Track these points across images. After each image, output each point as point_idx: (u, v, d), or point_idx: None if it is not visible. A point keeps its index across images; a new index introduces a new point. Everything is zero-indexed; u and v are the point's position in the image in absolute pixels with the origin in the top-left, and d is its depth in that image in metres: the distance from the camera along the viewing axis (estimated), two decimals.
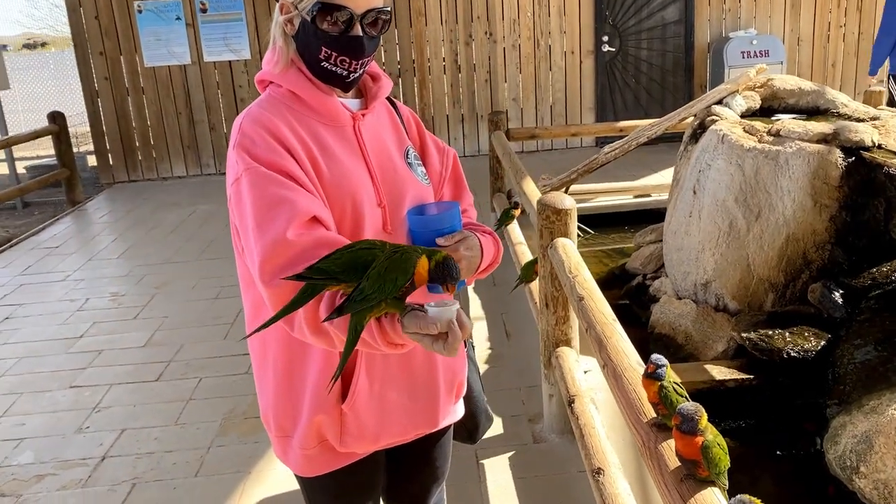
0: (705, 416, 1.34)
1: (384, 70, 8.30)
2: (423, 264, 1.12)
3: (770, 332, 2.96)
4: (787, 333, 2.94)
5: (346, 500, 1.58)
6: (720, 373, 2.91)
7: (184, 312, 4.69)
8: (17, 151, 11.49)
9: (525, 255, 3.96)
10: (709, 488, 1.34)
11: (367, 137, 1.47)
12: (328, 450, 1.49)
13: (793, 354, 2.85)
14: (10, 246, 6.54)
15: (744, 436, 2.86)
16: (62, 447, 3.25)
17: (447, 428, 1.70)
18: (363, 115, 1.47)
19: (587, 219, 5.54)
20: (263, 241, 1.27)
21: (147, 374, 3.88)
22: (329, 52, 1.38)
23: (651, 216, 5.23)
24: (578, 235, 5.26)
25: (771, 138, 3.29)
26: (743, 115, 3.94)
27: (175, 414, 3.46)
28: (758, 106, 4.00)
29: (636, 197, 5.76)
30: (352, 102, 1.48)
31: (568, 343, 2.88)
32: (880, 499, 2.19)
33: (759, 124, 3.47)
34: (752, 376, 2.89)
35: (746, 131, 3.47)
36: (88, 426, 3.42)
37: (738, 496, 1.27)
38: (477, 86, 8.62)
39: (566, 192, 5.20)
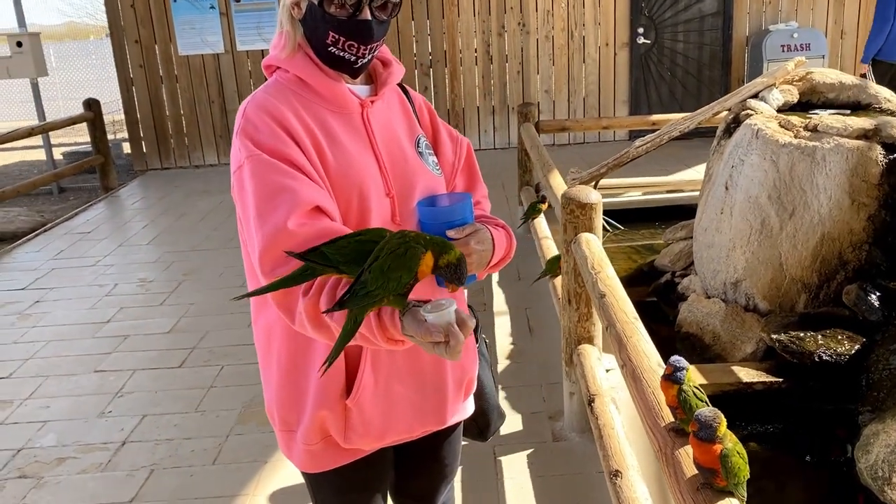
0: (724, 422, 1.28)
1: (415, 61, 8.28)
2: (427, 262, 1.07)
3: (801, 335, 2.86)
4: (819, 336, 2.83)
5: (352, 497, 1.54)
6: (748, 375, 2.82)
7: (209, 300, 4.71)
8: (57, 138, 11.70)
9: (551, 249, 3.89)
10: (727, 499, 1.28)
11: (376, 125, 1.42)
12: (332, 446, 1.45)
13: (825, 358, 2.75)
14: (45, 230, 6.65)
15: (771, 441, 2.77)
16: (84, 431, 3.28)
17: (457, 425, 1.65)
18: (372, 101, 1.42)
19: (617, 213, 5.44)
20: (264, 231, 1.24)
21: (170, 361, 3.90)
22: (337, 36, 1.34)
23: (683, 212, 5.10)
24: (607, 230, 5.19)
25: (808, 134, 3.17)
26: (780, 110, 3.82)
27: (196, 401, 3.47)
28: (795, 100, 3.87)
29: (668, 192, 5.64)
30: (361, 89, 1.44)
31: (590, 340, 2.82)
32: None
33: (795, 119, 3.35)
34: (781, 379, 2.79)
35: (782, 126, 3.35)
36: (111, 411, 3.44)
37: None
38: (509, 77, 8.53)
39: (596, 186, 5.11)
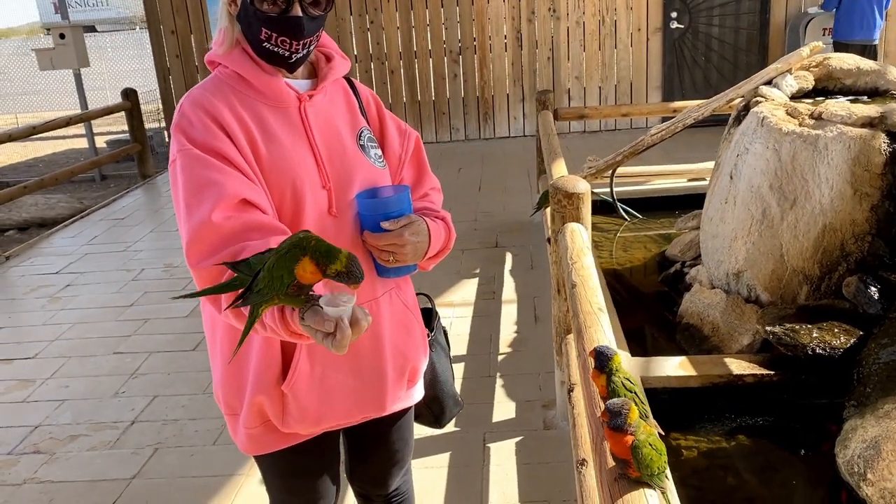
0: (635, 411, 1.28)
1: (444, 48, 8.27)
2: (305, 266, 1.10)
3: (796, 327, 2.80)
4: (814, 329, 2.78)
5: (294, 478, 1.60)
6: (739, 367, 2.78)
7: None
8: (105, 126, 12.09)
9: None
10: (641, 489, 1.29)
11: (314, 119, 1.46)
12: (271, 430, 1.50)
13: (819, 351, 2.69)
14: (82, 216, 6.90)
15: (761, 433, 2.73)
16: (98, 410, 3.42)
17: (403, 412, 1.69)
18: (310, 96, 1.46)
19: (638, 202, 5.38)
20: (190, 224, 1.29)
21: (185, 344, 4.03)
22: (269, 32, 1.38)
23: (702, 201, 5.02)
24: (625, 219, 5.14)
25: (812, 122, 3.10)
26: (794, 97, 3.73)
27: (205, 383, 3.58)
28: (810, 87, 3.77)
29: (690, 181, 5.55)
30: (301, 83, 1.48)
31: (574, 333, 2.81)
32: None
33: (802, 107, 3.27)
34: (773, 372, 2.75)
35: (789, 114, 3.27)
36: (124, 391, 3.58)
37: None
38: (539, 64, 8.46)
39: (612, 174, 5.07)
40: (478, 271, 4.68)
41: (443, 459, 2.81)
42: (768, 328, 2.84)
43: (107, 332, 4.27)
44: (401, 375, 1.61)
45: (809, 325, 2.80)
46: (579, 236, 2.57)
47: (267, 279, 1.09)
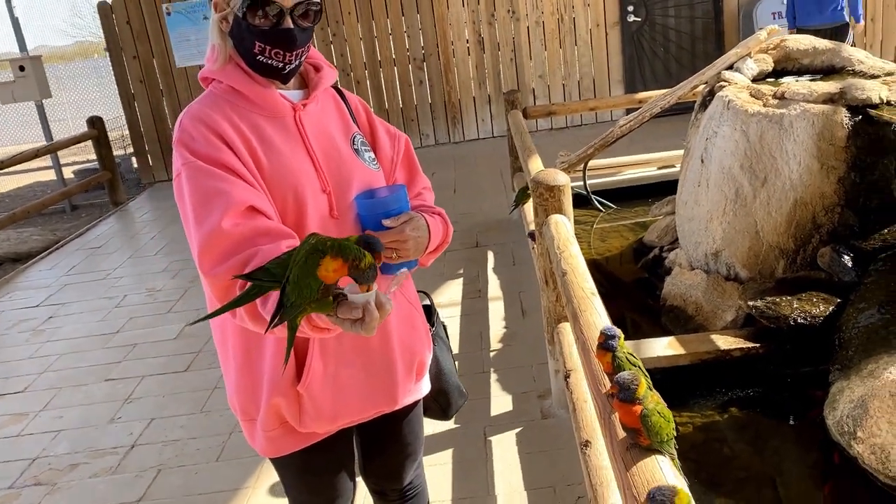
0: (644, 383, 1.35)
1: (408, 55, 8.32)
2: (326, 266, 1.14)
3: (777, 300, 2.91)
4: (794, 300, 2.88)
5: (314, 477, 1.64)
6: (725, 342, 2.87)
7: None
8: (70, 156, 11.95)
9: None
10: (652, 456, 1.35)
11: (310, 126, 1.51)
12: (289, 431, 1.55)
13: (800, 321, 2.80)
14: (57, 248, 6.83)
15: (751, 405, 2.83)
16: (95, 437, 3.41)
17: (413, 406, 1.74)
18: (304, 105, 1.51)
19: (611, 193, 5.48)
20: (201, 233, 1.33)
21: (177, 365, 4.04)
22: (263, 45, 1.43)
23: (674, 188, 5.14)
24: (601, 210, 5.23)
25: (776, 101, 3.21)
26: (755, 79, 3.85)
27: (201, 402, 3.59)
28: (770, 69, 3.89)
29: (660, 168, 5.67)
30: (294, 93, 1.53)
31: (568, 319, 2.88)
32: (878, 463, 2.15)
33: (765, 88, 3.39)
34: (758, 345, 2.84)
35: (753, 96, 3.39)
36: (120, 416, 3.58)
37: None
38: (502, 65, 8.57)
39: (585, 167, 5.16)
40: (461, 271, 4.74)
41: (446, 456, 2.86)
42: (750, 303, 2.94)
43: (96, 361, 4.25)
44: (409, 369, 1.66)
45: (789, 297, 2.90)
46: (564, 227, 2.64)
47: (295, 291, 1.13)
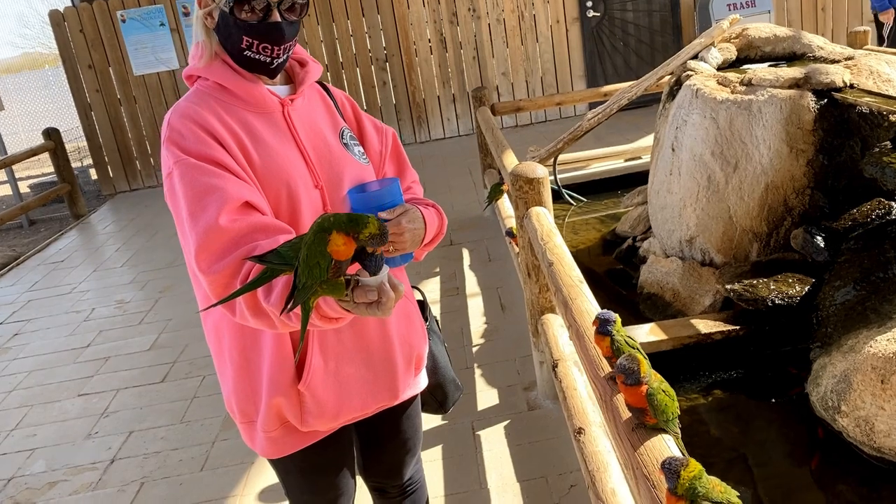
0: (645, 363, 1.36)
1: (370, 56, 8.30)
2: (335, 241, 1.13)
3: (754, 282, 2.96)
4: (771, 282, 2.94)
5: (317, 476, 1.62)
6: (706, 326, 2.92)
7: (187, 313, 4.76)
8: (23, 171, 11.64)
9: (513, 225, 3.96)
10: (658, 435, 1.37)
11: (298, 122, 1.49)
12: (291, 431, 1.52)
13: (777, 302, 2.85)
14: (17, 264, 6.65)
15: (734, 386, 2.87)
16: (72, 454, 3.33)
17: (412, 400, 1.73)
18: (292, 100, 1.49)
19: (580, 186, 5.53)
20: (197, 230, 1.30)
21: (153, 377, 3.96)
22: (250, 40, 1.41)
23: (643, 179, 5.20)
24: (571, 204, 5.28)
25: (743, 88, 3.27)
26: (720, 68, 3.92)
27: (180, 413, 3.53)
28: (734, 57, 3.97)
29: (627, 160, 5.74)
30: (281, 89, 1.51)
31: (552, 310, 2.90)
32: (863, 436, 2.20)
33: (731, 75, 3.45)
34: (738, 327, 2.89)
35: (720, 83, 3.45)
36: (97, 431, 3.50)
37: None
38: (465, 64, 8.59)
39: (555, 161, 5.20)
40: (438, 270, 4.74)
41: (436, 452, 2.85)
42: (728, 286, 2.99)
43: (67, 376, 4.15)
44: (409, 363, 1.65)
45: (765, 279, 2.96)
46: (545, 218, 2.66)
47: (305, 271, 1.12)
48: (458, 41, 8.52)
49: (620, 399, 1.50)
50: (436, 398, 1.87)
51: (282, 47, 1.43)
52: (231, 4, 1.37)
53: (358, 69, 8.53)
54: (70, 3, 8.52)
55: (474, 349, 3.64)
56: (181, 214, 1.34)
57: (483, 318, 3.97)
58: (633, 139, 6.87)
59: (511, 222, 4.18)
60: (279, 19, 1.40)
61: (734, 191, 3.22)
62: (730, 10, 7.86)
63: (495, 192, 4.67)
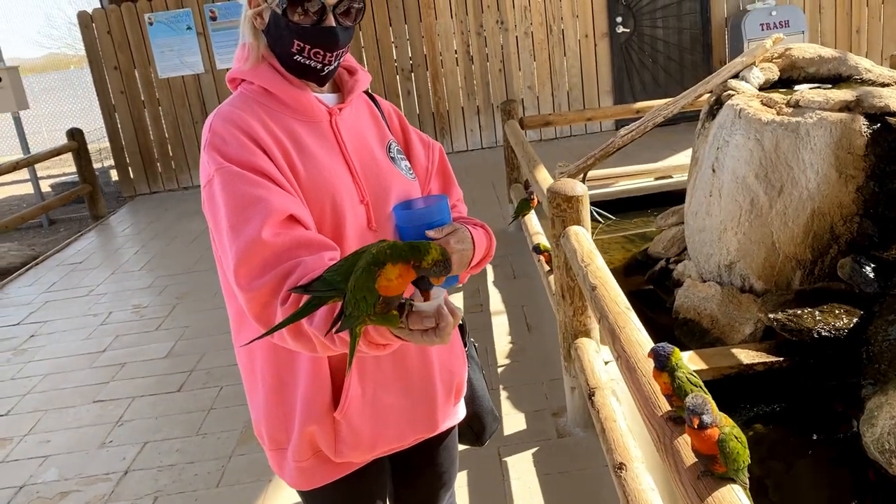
0: (714, 405, 1.25)
1: (396, 66, 8.26)
2: (388, 275, 1.03)
3: (799, 312, 2.83)
4: (816, 312, 2.81)
5: None
6: (748, 356, 2.79)
7: (204, 321, 4.68)
8: (45, 170, 11.68)
9: (541, 241, 3.85)
10: (728, 486, 1.25)
11: (346, 133, 1.40)
12: (323, 461, 1.42)
13: (823, 334, 2.72)
14: (36, 264, 6.62)
15: (776, 420, 2.74)
16: (86, 463, 3.24)
17: (450, 431, 1.62)
18: (340, 109, 1.40)
19: (608, 204, 5.42)
20: (238, 244, 1.21)
21: (169, 386, 3.87)
22: (302, 44, 1.32)
23: (674, 198, 5.08)
24: (599, 222, 5.16)
25: (790, 110, 3.15)
26: (761, 88, 3.80)
27: (196, 424, 3.44)
28: (776, 77, 3.85)
29: (657, 179, 5.62)
30: (328, 97, 1.42)
31: (587, 334, 2.79)
32: None
33: (777, 96, 3.34)
34: (781, 359, 2.76)
35: (764, 104, 3.33)
36: (111, 440, 3.41)
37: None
38: (491, 76, 8.51)
39: (584, 178, 5.09)
40: (461, 285, 4.63)
41: (461, 477, 2.74)
42: (771, 316, 2.86)
43: (82, 381, 4.07)
44: (449, 392, 1.55)
45: (811, 309, 2.83)
46: (584, 238, 2.55)
47: (353, 302, 1.03)
48: (485, 53, 8.45)
49: (682, 442, 1.39)
50: (472, 429, 1.76)
51: (334, 53, 1.34)
52: (284, 6, 1.28)
53: (383, 78, 8.48)
54: (99, 5, 8.53)
55: (500, 370, 3.52)
56: (220, 226, 1.25)
57: (508, 337, 3.86)
58: (662, 157, 6.75)
59: (539, 238, 4.07)
60: (333, 24, 1.31)
61: (778, 216, 3.10)
62: (762, 29, 7.75)
63: (522, 208, 4.57)
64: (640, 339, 1.78)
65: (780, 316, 2.85)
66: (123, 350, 4.42)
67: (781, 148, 3.08)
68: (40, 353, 4.55)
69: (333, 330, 1.06)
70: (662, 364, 1.45)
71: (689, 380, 1.40)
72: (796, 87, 3.71)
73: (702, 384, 1.42)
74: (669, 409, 1.47)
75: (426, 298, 1.11)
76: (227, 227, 1.23)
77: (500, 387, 3.35)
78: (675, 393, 1.41)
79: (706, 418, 1.22)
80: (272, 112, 1.35)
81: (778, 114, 3.17)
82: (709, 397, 1.30)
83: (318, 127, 1.38)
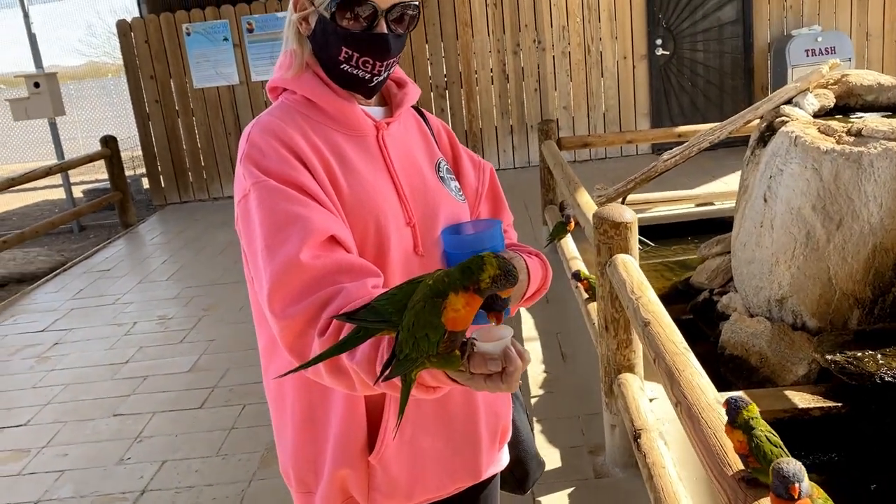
0: (807, 478, 1.10)
1: (430, 83, 8.18)
2: (454, 305, 0.90)
3: (859, 354, 2.65)
4: (878, 355, 2.63)
5: None
6: (803, 400, 2.61)
7: (230, 336, 4.58)
8: (77, 176, 11.77)
9: (580, 268, 3.70)
10: None
11: (393, 149, 1.28)
12: None
13: (887, 379, 2.54)
14: (64, 270, 6.60)
15: (835, 470, 2.56)
16: (102, 480, 3.14)
17: (492, 478, 1.48)
18: (388, 124, 1.29)
19: (647, 230, 5.24)
20: (273, 265, 1.09)
21: (190, 402, 3.77)
22: (350, 52, 1.20)
23: (716, 226, 4.91)
24: (640, 248, 4.99)
25: (851, 139, 2.99)
26: (815, 115, 3.63)
27: (217, 444, 3.32)
28: (832, 104, 3.68)
29: (698, 206, 5.44)
30: (375, 110, 1.30)
31: (631, 369, 2.63)
32: None
33: (836, 124, 3.17)
34: (839, 404, 2.59)
35: (822, 132, 3.17)
36: (129, 457, 3.31)
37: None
38: (526, 95, 8.40)
39: (623, 202, 4.93)
40: None
41: None
42: (828, 357, 2.68)
43: (103, 393, 3.98)
44: (494, 437, 1.42)
45: (872, 352, 2.65)
46: (633, 268, 2.40)
47: (410, 342, 0.89)
48: (521, 72, 8.34)
49: None
50: (515, 476, 1.62)
51: (384, 63, 1.22)
52: (333, 9, 1.17)
53: None
54: (138, 14, 8.59)
55: (533, 400, 3.37)
56: (254, 245, 1.13)
57: (542, 366, 3.70)
58: (701, 182, 6.57)
59: (576, 264, 3.92)
60: (385, 30, 1.20)
61: (836, 250, 2.92)
62: (807, 55, 7.56)
63: (559, 231, 4.42)
64: (701, 385, 1.63)
65: (838, 357, 2.67)
66: (146, 362, 4.33)
67: (842, 179, 2.91)
68: (63, 361, 4.48)
69: (384, 376, 0.93)
70: (734, 418, 1.30)
71: (769, 439, 1.25)
72: (854, 115, 3.54)
73: (783, 446, 1.27)
74: (743, 468, 1.32)
75: (499, 321, 0.97)
76: (263, 246, 1.12)
77: (534, 419, 3.20)
78: (753, 453, 1.25)
79: (804, 486, 1.06)
80: (315, 124, 1.23)
81: (838, 142, 3.00)
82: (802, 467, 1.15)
83: (364, 142, 1.26)
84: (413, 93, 1.37)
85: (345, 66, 1.22)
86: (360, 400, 1.25)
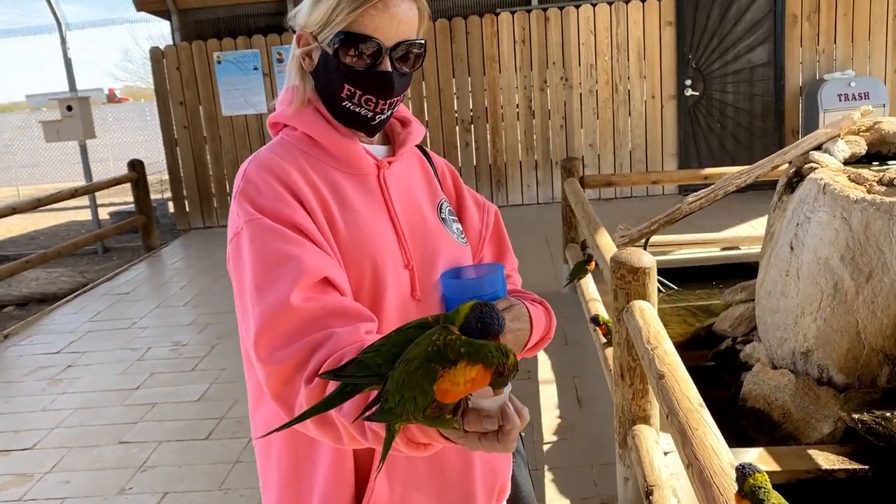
0: None
1: (456, 117, 8.20)
2: (456, 377, 0.81)
3: (888, 414, 2.52)
4: None
5: None
6: (827, 460, 2.48)
7: (241, 365, 4.52)
8: (106, 198, 11.94)
9: (600, 311, 3.61)
10: None
11: (394, 189, 1.23)
12: None
13: None
14: (85, 291, 6.63)
15: None
16: None
17: None
18: (389, 163, 1.24)
19: (670, 272, 5.13)
20: (261, 307, 1.04)
21: (197, 432, 3.71)
22: (352, 89, 1.16)
23: (741, 271, 4.79)
24: (660, 291, 4.89)
25: (883, 188, 2.88)
26: (846, 162, 3.53)
27: (220, 477, 3.26)
28: (863, 152, 3.58)
29: (724, 249, 5.33)
30: (377, 149, 1.26)
31: (646, 420, 2.53)
32: None
33: (867, 172, 3.07)
34: (867, 466, 2.45)
35: (852, 180, 3.07)
36: (132, 487, 3.25)
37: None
38: (552, 132, 8.37)
39: (646, 243, 4.84)
40: None
41: None
42: (855, 415, 2.55)
43: (111, 419, 3.94)
44: (490, 495, 1.34)
45: None
46: (650, 315, 2.32)
47: (396, 398, 0.83)
48: (547, 109, 8.33)
49: None
50: None
51: (387, 102, 1.18)
52: (336, 45, 1.13)
53: (442, 129, 8.42)
54: (171, 42, 8.74)
55: (545, 447, 3.26)
56: (244, 285, 1.08)
57: (557, 410, 3.59)
58: (726, 226, 6.45)
59: (596, 306, 3.83)
60: (389, 69, 1.15)
61: (865, 304, 2.80)
62: (840, 100, 7.45)
63: (579, 271, 4.34)
64: (715, 447, 1.53)
65: (865, 417, 2.54)
66: (157, 389, 4.29)
67: (872, 229, 2.80)
68: (74, 385, 4.46)
69: (364, 416, 0.87)
70: (741, 486, 1.21)
71: None
72: (887, 164, 3.44)
73: None
74: None
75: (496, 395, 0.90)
76: (252, 287, 1.07)
77: (545, 467, 3.09)
78: None
79: None
80: (315, 161, 1.19)
81: (869, 191, 2.90)
82: None
83: (365, 181, 1.22)
84: (417, 132, 1.32)
85: (347, 104, 1.18)
86: (347, 454, 1.18)
